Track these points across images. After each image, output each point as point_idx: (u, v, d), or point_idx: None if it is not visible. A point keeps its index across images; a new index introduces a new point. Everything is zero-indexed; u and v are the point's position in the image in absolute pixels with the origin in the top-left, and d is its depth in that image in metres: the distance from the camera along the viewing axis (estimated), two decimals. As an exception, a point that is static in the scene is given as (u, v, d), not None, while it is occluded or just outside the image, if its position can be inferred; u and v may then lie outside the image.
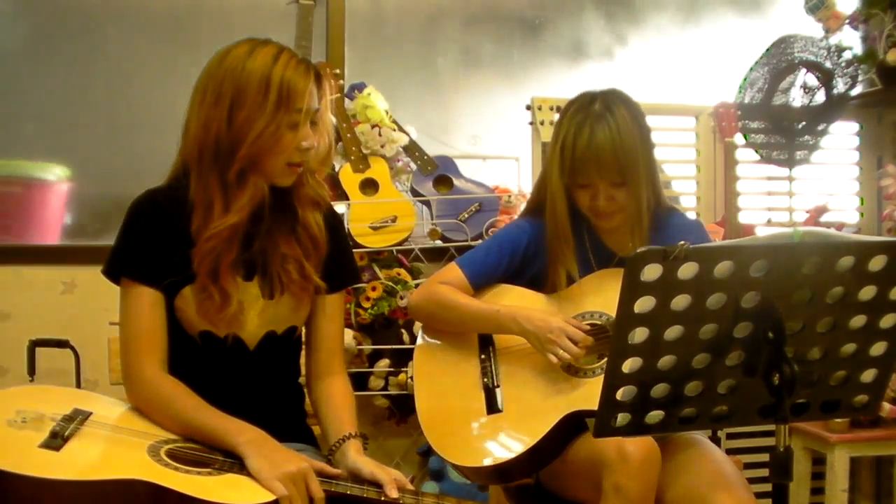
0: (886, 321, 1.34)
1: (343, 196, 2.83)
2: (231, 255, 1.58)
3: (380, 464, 1.56)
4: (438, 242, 2.93)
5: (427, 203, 2.94)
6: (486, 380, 1.93)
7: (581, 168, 1.84)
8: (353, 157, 2.86)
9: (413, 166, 2.97)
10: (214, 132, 1.56)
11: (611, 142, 1.81)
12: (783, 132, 3.22)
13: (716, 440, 2.89)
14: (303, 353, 1.80)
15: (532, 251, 1.99)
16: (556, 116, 2.85)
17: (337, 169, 2.88)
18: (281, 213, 1.66)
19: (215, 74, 1.57)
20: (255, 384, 1.67)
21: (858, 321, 1.33)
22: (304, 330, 1.76)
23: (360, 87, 2.94)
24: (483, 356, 1.97)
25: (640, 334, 1.27)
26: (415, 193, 2.95)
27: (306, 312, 1.72)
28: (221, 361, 1.63)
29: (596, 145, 1.81)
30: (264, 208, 1.62)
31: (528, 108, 2.97)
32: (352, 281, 1.85)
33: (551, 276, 1.96)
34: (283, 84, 1.54)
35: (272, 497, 1.38)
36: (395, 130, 2.92)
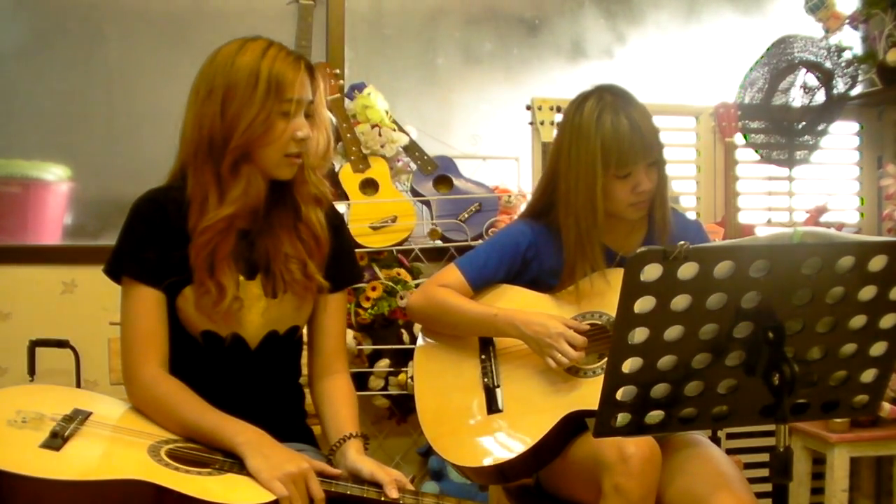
0: (886, 321, 1.34)
1: (343, 196, 2.83)
2: (226, 247, 1.58)
3: (380, 464, 1.56)
4: (438, 242, 2.93)
5: (427, 203, 2.94)
6: (486, 380, 1.93)
7: (628, 153, 1.85)
8: (353, 157, 2.86)
9: (413, 166, 2.97)
10: (208, 127, 1.57)
11: (645, 119, 1.87)
12: (783, 132, 3.22)
13: (716, 440, 2.89)
14: (304, 353, 1.80)
15: (532, 254, 1.99)
16: (557, 117, 2.88)
17: (337, 169, 2.88)
18: (283, 211, 1.66)
19: (207, 73, 1.59)
20: (257, 384, 1.67)
21: (858, 321, 1.33)
22: (305, 330, 1.76)
23: (360, 87, 2.94)
24: (483, 356, 1.97)
25: (640, 334, 1.27)
26: (415, 193, 2.95)
27: (308, 312, 1.72)
28: (223, 361, 1.63)
29: (636, 126, 1.85)
30: (261, 204, 1.62)
31: (528, 108, 2.97)
32: (354, 280, 1.84)
33: (569, 274, 1.94)
34: (272, 74, 1.55)
35: (272, 497, 1.38)
36: (395, 130, 2.92)
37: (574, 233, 1.92)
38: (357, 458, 1.57)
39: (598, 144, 1.86)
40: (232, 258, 1.60)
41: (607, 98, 1.87)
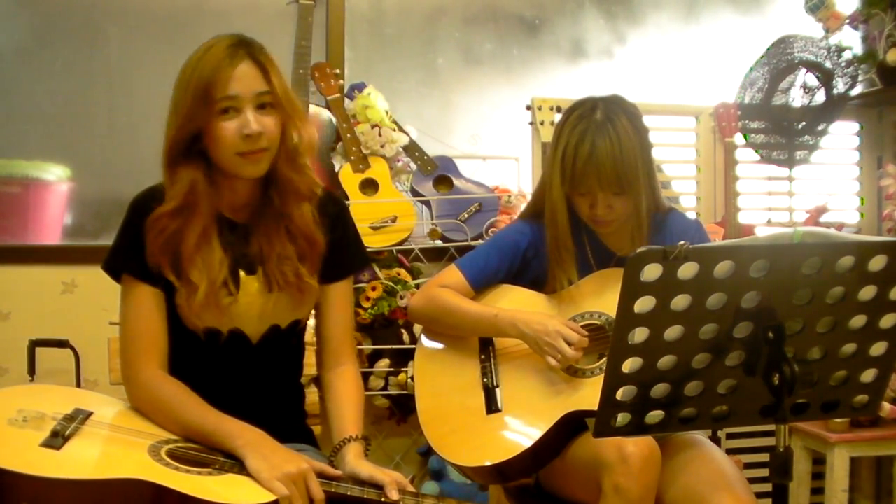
0: (886, 321, 1.34)
1: (343, 196, 2.83)
2: (188, 244, 1.57)
3: (379, 467, 1.55)
4: (438, 242, 2.93)
5: (427, 203, 2.94)
6: (485, 380, 1.93)
7: (581, 178, 1.84)
8: (353, 157, 2.86)
9: (413, 166, 2.97)
10: (166, 135, 1.59)
11: (611, 155, 1.80)
12: (783, 132, 3.23)
13: (716, 440, 2.89)
14: (307, 351, 1.80)
15: (532, 253, 1.99)
16: (557, 117, 2.88)
17: (337, 169, 2.88)
18: (271, 210, 1.64)
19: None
20: (258, 381, 1.67)
21: (858, 321, 1.33)
22: (310, 329, 1.76)
23: (360, 87, 2.94)
24: (483, 356, 1.97)
25: (640, 334, 1.27)
26: (415, 193, 2.95)
27: (310, 306, 1.72)
28: (224, 357, 1.64)
29: (596, 157, 1.80)
30: (244, 199, 1.63)
31: (528, 108, 2.97)
32: (357, 267, 1.82)
33: (552, 280, 1.97)
34: (201, 76, 1.53)
35: (272, 497, 1.38)
36: (395, 130, 2.92)
37: (550, 236, 1.94)
38: (356, 462, 1.56)
39: (559, 158, 1.87)
40: (217, 255, 1.59)
41: (596, 117, 1.83)
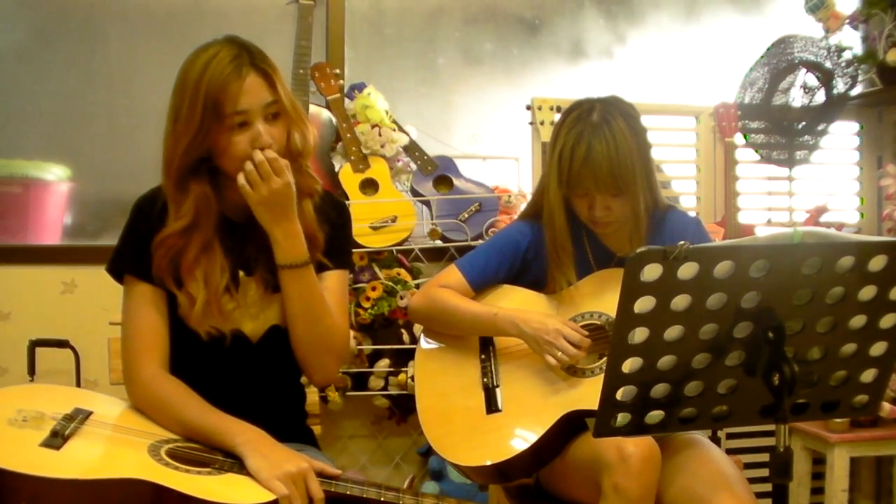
0: (886, 321, 1.34)
1: (343, 196, 2.83)
2: (189, 257, 1.58)
3: None
4: (438, 242, 2.93)
5: (427, 203, 2.94)
6: (485, 379, 1.93)
7: (578, 180, 1.84)
8: (353, 157, 2.86)
9: (413, 166, 2.97)
10: (165, 143, 1.57)
11: (607, 157, 1.80)
12: (783, 132, 3.22)
13: (716, 440, 2.89)
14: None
15: (532, 254, 2.00)
16: (557, 117, 2.87)
17: (337, 169, 2.88)
18: None
19: (174, 86, 1.58)
20: (258, 381, 1.68)
21: (858, 321, 1.33)
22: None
23: (360, 87, 2.94)
24: (483, 356, 1.97)
25: (640, 334, 1.27)
26: (415, 193, 2.95)
27: None
28: (225, 357, 1.64)
29: (592, 160, 1.81)
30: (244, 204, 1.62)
31: (528, 108, 2.97)
32: (335, 267, 1.79)
33: (551, 281, 1.97)
34: (209, 93, 1.51)
35: (272, 497, 1.38)
36: (395, 130, 2.92)
37: (548, 237, 1.95)
38: None
39: (556, 160, 1.87)
40: (218, 261, 1.59)
41: (592, 119, 1.84)
